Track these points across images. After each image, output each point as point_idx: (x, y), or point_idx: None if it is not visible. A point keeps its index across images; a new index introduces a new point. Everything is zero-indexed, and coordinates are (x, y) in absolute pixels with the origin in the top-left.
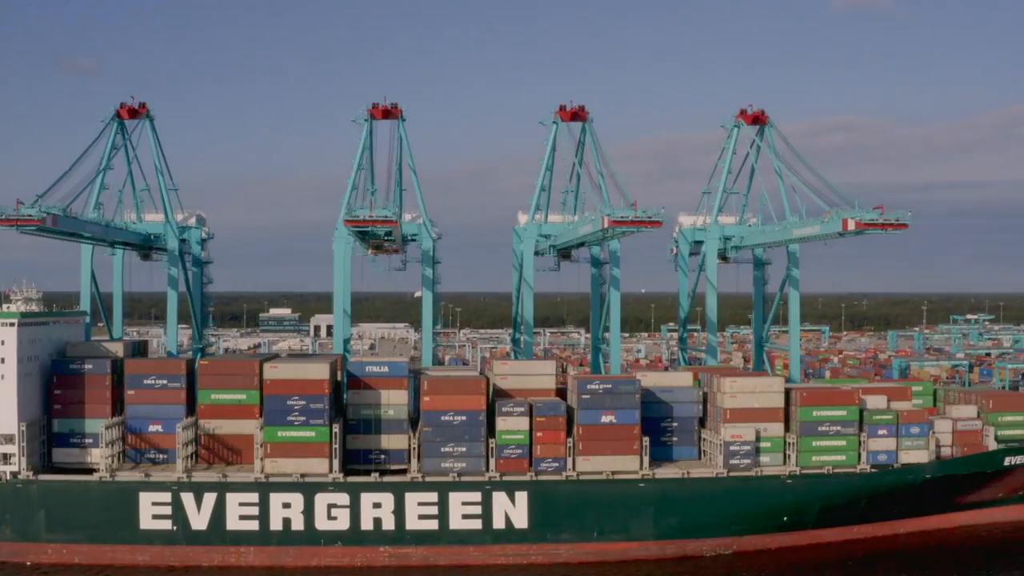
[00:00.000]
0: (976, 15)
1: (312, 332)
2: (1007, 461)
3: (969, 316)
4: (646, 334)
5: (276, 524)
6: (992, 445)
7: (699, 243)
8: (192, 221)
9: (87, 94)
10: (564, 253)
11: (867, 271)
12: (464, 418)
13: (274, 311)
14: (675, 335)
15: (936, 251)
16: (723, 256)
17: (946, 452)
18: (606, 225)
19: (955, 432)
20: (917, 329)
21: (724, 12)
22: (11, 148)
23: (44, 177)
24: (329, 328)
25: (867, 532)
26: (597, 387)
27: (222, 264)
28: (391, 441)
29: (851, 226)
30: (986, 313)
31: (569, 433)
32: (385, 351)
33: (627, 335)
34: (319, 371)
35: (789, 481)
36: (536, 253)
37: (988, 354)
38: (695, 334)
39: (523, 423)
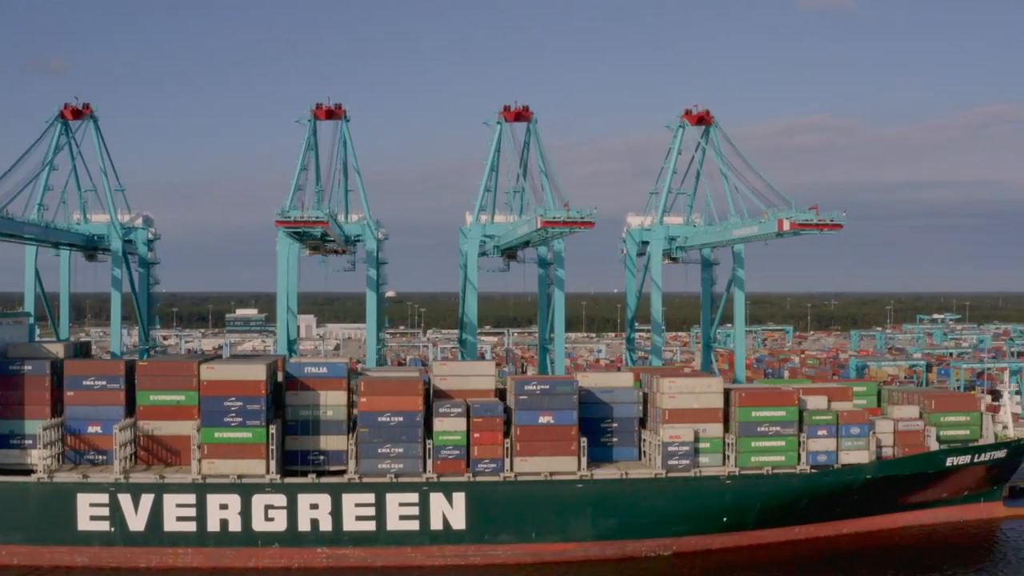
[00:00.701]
0: (941, 18)
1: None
2: (949, 462)
3: (935, 316)
4: (613, 334)
5: (213, 525)
6: (934, 445)
7: (646, 243)
8: (139, 222)
9: (54, 94)
10: (510, 254)
11: (838, 271)
12: (401, 419)
13: (240, 312)
14: (641, 335)
15: (908, 251)
16: (671, 257)
17: (888, 453)
18: (539, 226)
19: (896, 432)
20: (879, 329)
21: (693, 12)
22: None
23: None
24: (296, 329)
25: (809, 532)
26: (534, 388)
27: (193, 265)
28: (330, 442)
29: (786, 226)
30: (953, 313)
31: (507, 434)
32: (350, 351)
33: (594, 335)
34: (256, 372)
35: (728, 482)
36: (483, 254)
37: (951, 354)
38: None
39: (460, 424)
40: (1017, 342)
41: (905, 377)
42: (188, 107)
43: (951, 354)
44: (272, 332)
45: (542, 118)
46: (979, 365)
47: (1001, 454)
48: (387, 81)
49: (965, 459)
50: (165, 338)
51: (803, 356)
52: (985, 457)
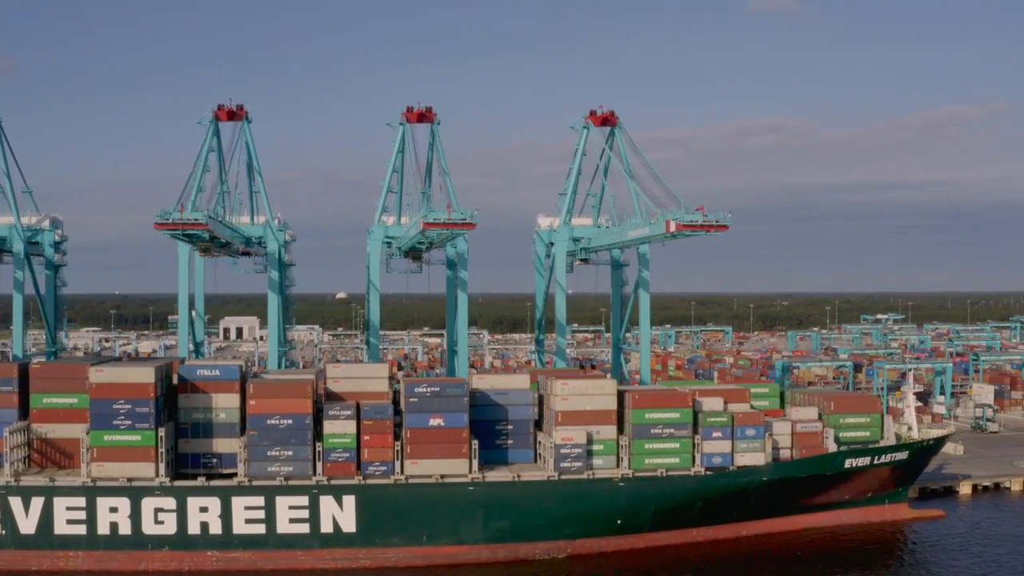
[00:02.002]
0: (886, 21)
1: (222, 335)
2: (848, 463)
3: (879, 316)
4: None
5: (103, 528)
6: (832, 447)
7: (553, 244)
8: (46, 224)
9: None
10: (414, 255)
11: (792, 272)
12: (290, 422)
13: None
14: (579, 335)
15: (861, 252)
16: (582, 258)
17: (786, 455)
18: (421, 227)
19: (795, 434)
20: (816, 329)
21: (642, 12)
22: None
23: None
24: (239, 330)
25: (707, 535)
26: (424, 390)
27: (144, 267)
28: (223, 445)
29: (672, 228)
30: (897, 313)
31: (397, 436)
32: (293, 353)
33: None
34: (144, 375)
35: (621, 484)
36: (397, 255)
37: (883, 355)
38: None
39: (350, 426)
40: (956, 343)
41: (833, 378)
42: (124, 106)
43: (883, 355)
44: (216, 333)
45: (503, 120)
46: (901, 366)
47: (903, 456)
48: (301, 82)
49: (864, 461)
50: (107, 340)
51: (736, 357)
52: (886, 459)
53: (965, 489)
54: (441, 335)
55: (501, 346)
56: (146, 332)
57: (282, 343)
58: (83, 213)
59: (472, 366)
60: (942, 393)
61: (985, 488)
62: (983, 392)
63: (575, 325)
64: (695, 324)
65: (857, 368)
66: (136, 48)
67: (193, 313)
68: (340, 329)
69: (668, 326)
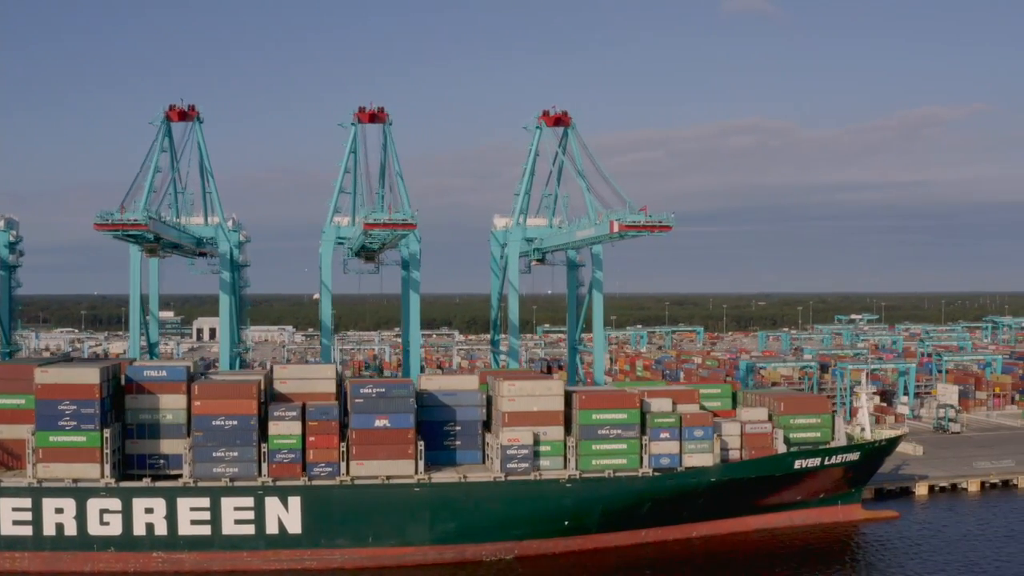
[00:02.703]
0: (863, 22)
1: (195, 335)
2: (797, 464)
3: (853, 316)
4: (529, 335)
5: (49, 529)
6: (782, 448)
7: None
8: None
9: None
10: (368, 256)
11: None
12: (235, 423)
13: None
14: (552, 336)
15: (841, 252)
16: (539, 259)
17: (735, 455)
18: (363, 228)
19: (744, 435)
20: (786, 329)
21: (617, 14)
22: None
23: None
24: (212, 331)
25: (657, 536)
26: (370, 391)
27: (123, 268)
28: (170, 446)
29: (615, 228)
30: (872, 313)
31: (343, 437)
32: (263, 353)
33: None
34: (90, 376)
35: (568, 485)
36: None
37: (857, 355)
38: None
39: (295, 427)
40: (926, 343)
41: (798, 379)
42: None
43: (850, 356)
44: (189, 334)
45: (491, 119)
46: (864, 366)
47: (854, 456)
48: (255, 84)
49: (815, 461)
50: (78, 341)
51: (704, 357)
52: (837, 459)
53: (921, 490)
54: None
55: (473, 347)
56: (119, 333)
57: (236, 343)
58: (66, 215)
59: (440, 366)
60: (905, 393)
61: (942, 489)
62: (947, 392)
63: (547, 325)
64: (669, 324)
65: (824, 369)
66: (94, 52)
67: (149, 315)
68: (311, 329)
69: (639, 326)
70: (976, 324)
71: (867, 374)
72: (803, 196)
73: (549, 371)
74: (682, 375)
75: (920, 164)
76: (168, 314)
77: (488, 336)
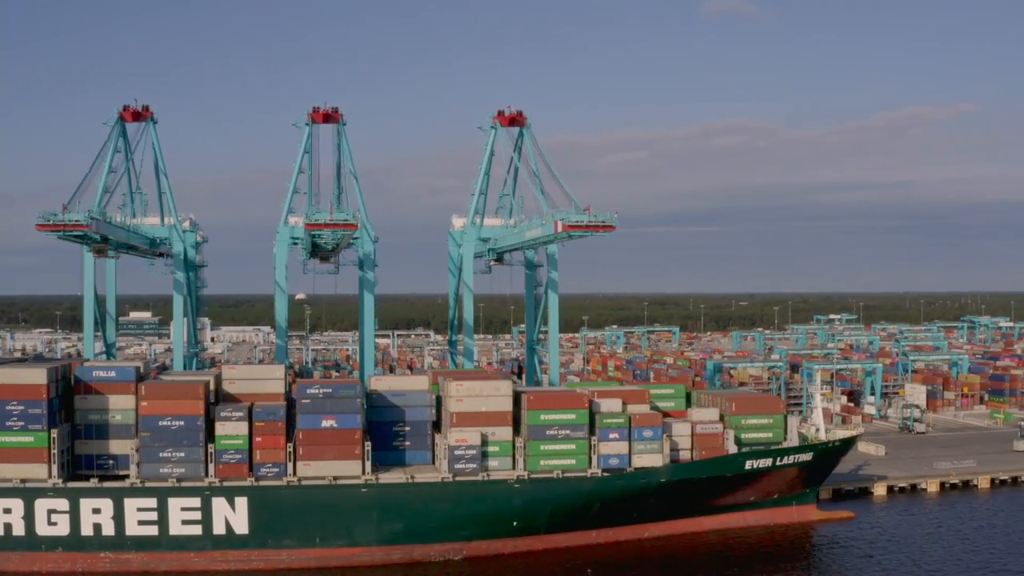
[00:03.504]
0: (840, 24)
1: (172, 336)
2: (748, 465)
3: (832, 316)
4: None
5: None
6: (733, 448)
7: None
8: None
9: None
10: (323, 256)
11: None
12: (182, 423)
13: (134, 314)
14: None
15: (826, 252)
16: (496, 259)
17: (685, 456)
18: (305, 228)
19: (695, 435)
20: (760, 329)
21: (596, 16)
22: None
23: None
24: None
25: (608, 537)
26: (317, 391)
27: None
28: (119, 446)
29: (559, 228)
30: (851, 313)
31: (290, 438)
32: (240, 354)
33: (490, 336)
34: (37, 376)
35: (517, 485)
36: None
37: (827, 355)
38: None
39: (242, 428)
40: (902, 343)
41: (767, 379)
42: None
43: (821, 356)
44: (167, 334)
45: (458, 118)
46: (830, 366)
47: (807, 457)
48: (228, 86)
49: (766, 462)
50: (54, 342)
51: (677, 358)
52: (789, 460)
53: (880, 490)
54: (387, 336)
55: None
56: (97, 334)
57: (192, 344)
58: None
59: (410, 367)
60: (872, 394)
61: (901, 489)
62: (915, 393)
63: (521, 326)
64: (649, 324)
65: (794, 369)
66: (51, 56)
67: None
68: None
69: (615, 326)
70: (952, 324)
71: (819, 374)
72: (789, 196)
73: (520, 371)
74: (652, 375)
75: (906, 164)
76: (146, 315)
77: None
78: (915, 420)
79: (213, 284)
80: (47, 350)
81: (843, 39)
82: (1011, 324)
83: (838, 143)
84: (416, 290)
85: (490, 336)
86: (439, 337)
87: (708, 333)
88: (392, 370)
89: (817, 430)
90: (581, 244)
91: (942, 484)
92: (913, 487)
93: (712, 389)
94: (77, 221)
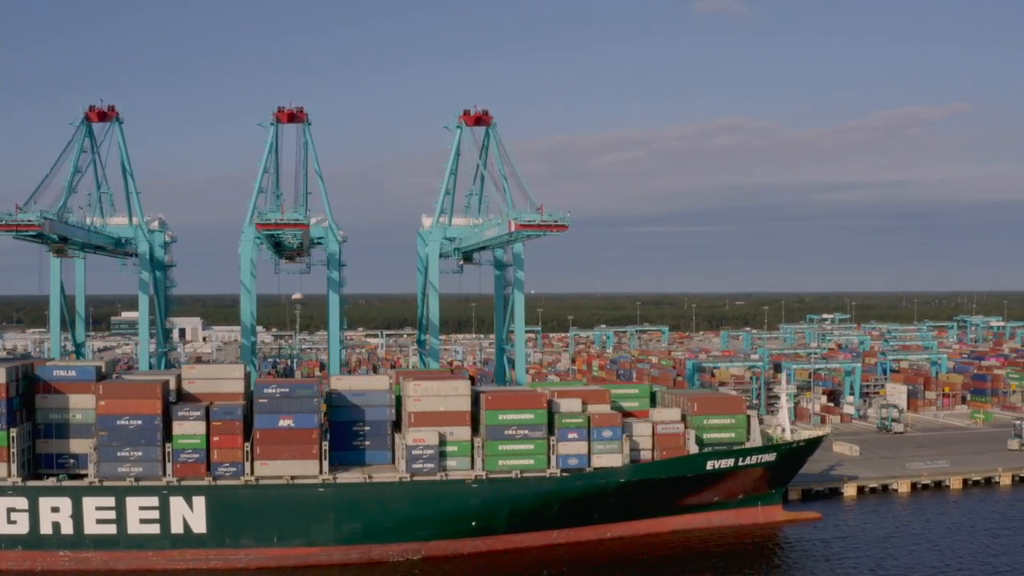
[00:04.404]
0: (831, 24)
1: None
2: (710, 465)
3: (825, 316)
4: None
5: None
6: (694, 448)
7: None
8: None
9: None
10: (289, 256)
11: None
12: (140, 422)
13: (126, 314)
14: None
15: (821, 252)
16: (465, 258)
17: (646, 456)
18: (256, 228)
19: (656, 435)
20: (747, 329)
21: (588, 17)
22: None
23: None
24: (182, 331)
25: (568, 537)
26: (274, 391)
27: (97, 268)
28: (79, 445)
29: (512, 227)
30: (844, 313)
31: (248, 438)
32: (230, 354)
33: (482, 336)
34: None
35: (475, 485)
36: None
37: (809, 355)
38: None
39: (200, 427)
40: (890, 343)
41: (749, 378)
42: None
43: (804, 355)
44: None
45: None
46: (808, 366)
47: (770, 457)
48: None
49: (728, 462)
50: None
51: (661, 357)
52: (751, 460)
53: (850, 491)
54: (376, 335)
55: (445, 347)
56: (91, 334)
57: (162, 343)
58: None
59: (393, 366)
60: (852, 393)
61: (872, 490)
62: (896, 392)
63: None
64: (641, 324)
65: (777, 368)
66: (17, 57)
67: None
68: (274, 329)
69: (604, 326)
70: (943, 324)
71: (785, 374)
72: (786, 196)
73: None
74: (635, 375)
75: (902, 164)
76: (135, 315)
77: (460, 336)
78: (893, 420)
79: (206, 284)
80: (36, 350)
81: (833, 39)
82: (1003, 324)
83: (835, 143)
84: (411, 289)
85: (481, 335)
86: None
87: (700, 333)
88: (375, 370)
89: (783, 430)
90: (577, 243)
91: (913, 485)
92: (884, 488)
93: (682, 389)
94: (30, 221)
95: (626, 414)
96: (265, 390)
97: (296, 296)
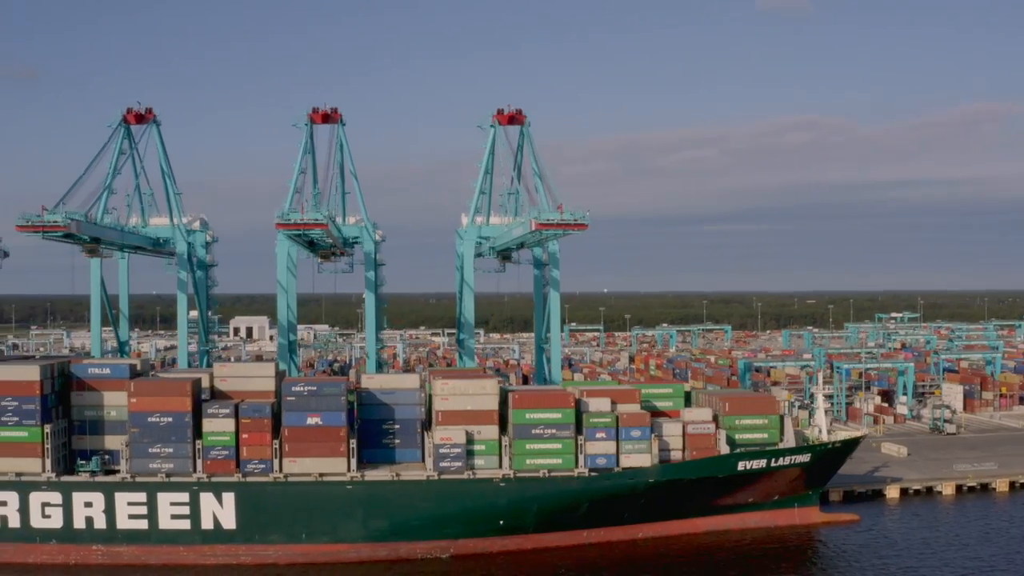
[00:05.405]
0: (894, 18)
1: (232, 333)
2: (741, 466)
3: (893, 315)
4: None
5: None
6: (725, 449)
7: (478, 243)
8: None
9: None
10: (505, 255)
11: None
12: (170, 419)
13: (193, 313)
14: (586, 334)
15: (895, 250)
16: (506, 257)
17: (677, 456)
18: (533, 228)
19: (686, 435)
20: (809, 328)
21: (648, 14)
22: None
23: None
24: (249, 330)
25: (599, 537)
26: (302, 389)
27: (146, 268)
28: (113, 442)
29: (533, 226)
30: (913, 312)
31: (276, 435)
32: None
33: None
34: (30, 373)
35: (502, 484)
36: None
37: (868, 354)
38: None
39: (229, 424)
40: (955, 342)
41: (804, 378)
42: (177, 108)
43: (861, 355)
44: (226, 332)
45: (536, 116)
46: (860, 365)
47: (804, 458)
48: (374, 78)
49: (760, 463)
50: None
51: (718, 357)
52: (784, 461)
53: (892, 493)
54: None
55: (498, 345)
56: (156, 332)
57: (203, 342)
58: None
59: (449, 364)
60: (905, 393)
61: (916, 492)
62: (951, 392)
63: (574, 324)
64: (709, 323)
65: (833, 368)
66: (53, 52)
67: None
68: (336, 328)
69: (666, 325)
70: (1010, 323)
71: (821, 373)
72: (860, 193)
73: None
74: (689, 374)
75: (978, 160)
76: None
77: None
78: (945, 421)
79: (261, 284)
80: (68, 348)
81: (900, 32)
82: None
83: (908, 139)
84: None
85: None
86: (499, 336)
87: (767, 332)
88: (412, 370)
89: (819, 431)
90: (647, 242)
91: (958, 487)
92: (928, 490)
93: (715, 389)
94: (55, 222)
95: (658, 414)
96: (293, 388)
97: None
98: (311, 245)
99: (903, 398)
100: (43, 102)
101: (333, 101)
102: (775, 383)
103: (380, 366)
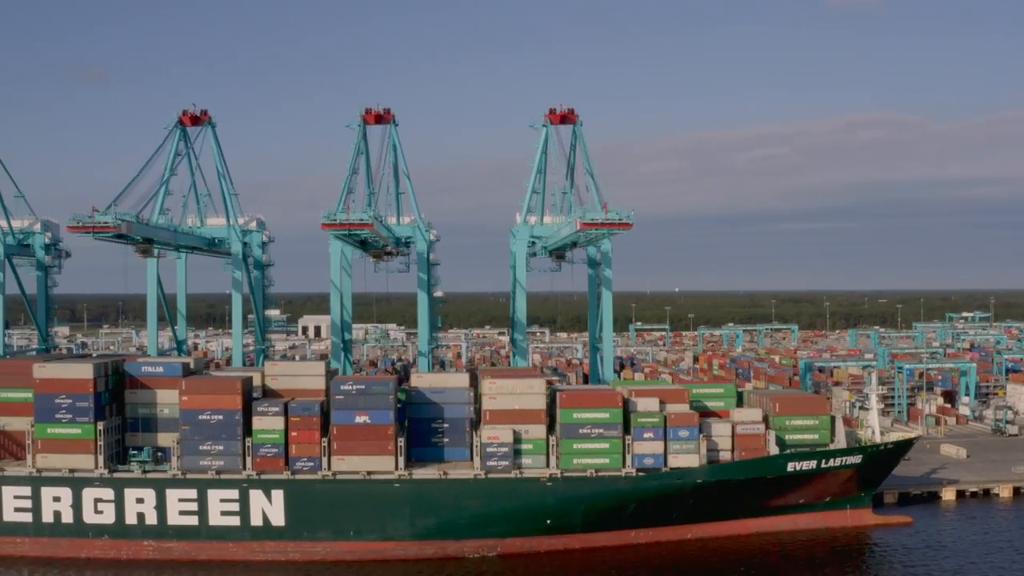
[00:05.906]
0: (962, 16)
1: (300, 332)
2: (791, 467)
3: (964, 314)
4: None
5: (48, 517)
6: (775, 450)
7: (532, 242)
8: (37, 226)
9: (105, 102)
10: (558, 254)
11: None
12: (221, 417)
13: (269, 312)
14: (653, 333)
15: (972, 249)
16: (560, 256)
17: (726, 456)
18: (578, 228)
19: (735, 436)
20: (876, 328)
21: (725, 16)
22: (49, 155)
23: (82, 181)
24: (317, 329)
25: (647, 537)
26: (351, 387)
27: (202, 268)
28: (166, 439)
29: (579, 226)
30: (985, 311)
31: (324, 433)
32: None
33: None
34: (84, 371)
35: (549, 483)
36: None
37: (932, 355)
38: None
39: (278, 423)
40: (1023, 342)
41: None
42: (233, 112)
43: (926, 355)
44: (295, 331)
45: (594, 115)
46: (920, 365)
47: (856, 460)
48: (426, 77)
49: (810, 464)
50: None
51: (782, 356)
52: (835, 463)
53: (948, 495)
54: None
55: (563, 344)
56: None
57: (259, 341)
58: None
59: (492, 363)
60: (967, 394)
61: (973, 494)
62: (1016, 393)
63: (640, 323)
64: (778, 322)
65: (898, 368)
66: (99, 54)
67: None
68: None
69: (732, 324)
70: None
71: (874, 374)
72: (934, 191)
73: (621, 369)
74: (752, 374)
75: None
76: (274, 312)
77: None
78: (1007, 422)
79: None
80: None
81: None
82: None
83: (981, 136)
84: (561, 287)
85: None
86: (565, 335)
87: (836, 332)
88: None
89: (872, 432)
90: (718, 241)
91: (1016, 489)
92: (985, 492)
93: (767, 389)
94: (105, 223)
95: (708, 414)
96: (341, 387)
97: (438, 294)
98: (363, 245)
99: (965, 399)
100: (111, 104)
101: (393, 102)
102: (837, 383)
103: (443, 365)
